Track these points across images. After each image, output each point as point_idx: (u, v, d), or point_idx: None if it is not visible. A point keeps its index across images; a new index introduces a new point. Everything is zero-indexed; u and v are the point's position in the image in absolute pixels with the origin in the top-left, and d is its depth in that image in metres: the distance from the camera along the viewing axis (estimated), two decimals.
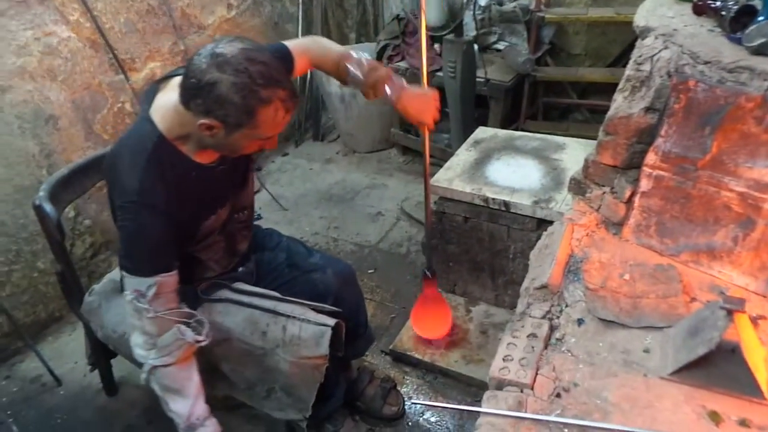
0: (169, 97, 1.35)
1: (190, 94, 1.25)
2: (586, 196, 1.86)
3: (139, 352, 1.43)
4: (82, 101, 2.62)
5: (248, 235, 1.80)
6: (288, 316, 1.61)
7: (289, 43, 1.62)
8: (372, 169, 3.84)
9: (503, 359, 1.39)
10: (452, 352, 2.21)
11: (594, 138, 1.80)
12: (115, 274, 1.91)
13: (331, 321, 1.60)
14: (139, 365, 1.45)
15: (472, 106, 3.14)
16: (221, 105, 1.23)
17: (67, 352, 2.44)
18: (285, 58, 1.57)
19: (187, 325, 1.43)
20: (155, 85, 1.44)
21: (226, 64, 1.21)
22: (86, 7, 2.52)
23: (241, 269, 1.80)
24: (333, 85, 3.75)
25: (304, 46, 1.66)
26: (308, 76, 4.05)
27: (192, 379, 1.48)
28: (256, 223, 1.95)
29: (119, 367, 2.16)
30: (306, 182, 3.70)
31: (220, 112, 1.25)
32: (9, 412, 2.19)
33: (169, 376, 1.43)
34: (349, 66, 1.61)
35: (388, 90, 1.62)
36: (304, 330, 1.58)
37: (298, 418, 1.67)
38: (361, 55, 1.63)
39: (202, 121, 1.27)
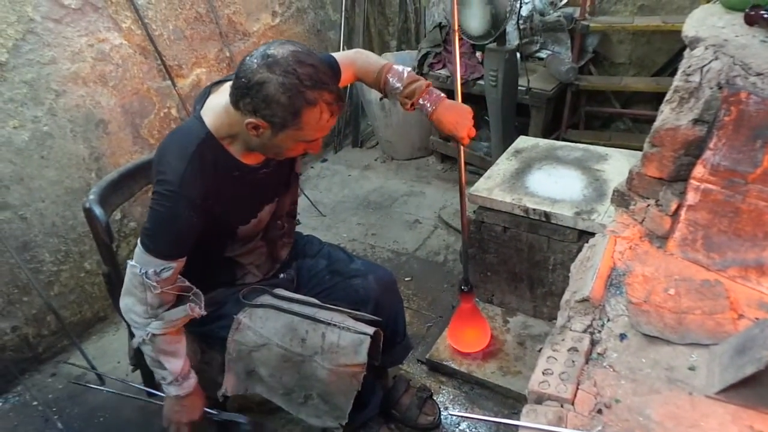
0: (220, 98, 1.41)
1: (240, 94, 1.30)
2: (629, 209, 1.82)
3: (135, 319, 1.49)
4: (131, 106, 2.69)
5: (289, 242, 1.83)
6: (327, 324, 1.62)
7: (336, 55, 1.66)
8: (410, 176, 3.85)
9: (543, 373, 1.37)
10: (489, 363, 2.19)
11: (637, 148, 1.77)
12: None
13: (370, 329, 1.60)
14: (130, 331, 1.55)
15: (513, 115, 3.12)
16: (268, 104, 1.27)
17: (110, 351, 2.51)
18: (333, 66, 1.59)
19: (187, 298, 1.49)
20: (208, 88, 1.50)
21: (275, 65, 1.25)
22: (138, 15, 2.60)
23: (282, 276, 1.83)
24: (373, 93, 3.78)
25: (349, 58, 1.69)
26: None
27: (183, 341, 1.58)
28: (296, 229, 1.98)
29: None
30: (344, 188, 3.73)
31: (266, 112, 1.28)
32: (54, 409, 2.27)
33: (168, 341, 1.52)
34: (389, 77, 1.66)
35: (423, 101, 1.66)
36: (343, 338, 1.59)
37: (334, 426, 1.67)
38: (403, 68, 1.65)
39: (249, 120, 1.31)
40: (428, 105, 1.66)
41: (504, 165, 2.39)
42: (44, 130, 2.36)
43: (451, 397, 2.16)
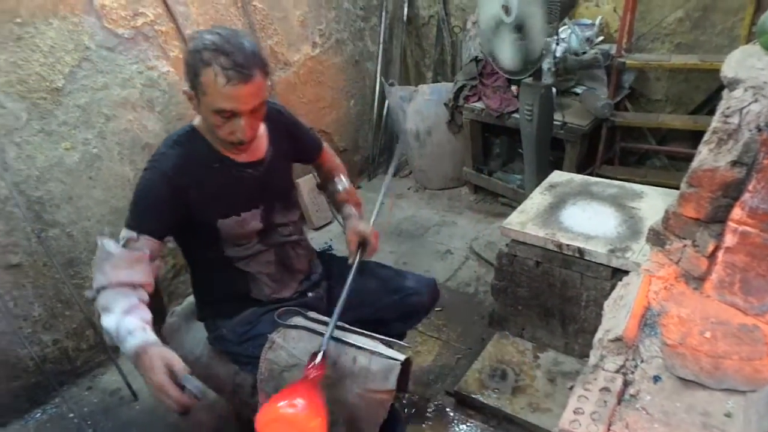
0: None
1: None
2: (665, 248, 1.80)
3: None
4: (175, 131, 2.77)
5: (305, 255, 1.86)
6: (359, 348, 1.62)
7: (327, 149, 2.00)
8: (442, 206, 3.85)
9: (574, 412, 1.35)
10: (518, 398, 2.16)
11: (672, 186, 1.75)
12: (191, 299, 1.99)
13: (401, 356, 1.60)
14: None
15: (547, 150, 3.12)
16: (185, 71, 1.43)
17: None
18: (315, 140, 1.94)
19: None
20: None
21: (196, 38, 1.42)
22: (185, 45, 2.69)
23: (310, 294, 1.84)
24: (409, 122, 3.82)
25: (333, 158, 2.03)
26: (384, 111, 4.14)
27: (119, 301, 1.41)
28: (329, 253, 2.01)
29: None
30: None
31: (186, 78, 1.44)
32: (89, 422, 2.31)
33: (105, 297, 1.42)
34: (339, 177, 1.98)
35: (347, 207, 1.92)
36: (374, 363, 1.58)
37: None
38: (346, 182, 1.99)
39: (184, 89, 1.47)
40: (348, 213, 1.90)
41: (538, 199, 2.38)
42: (93, 152, 2.44)
43: (479, 431, 2.13)
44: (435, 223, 3.64)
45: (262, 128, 1.69)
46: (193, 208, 1.56)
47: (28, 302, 2.32)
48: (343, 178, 2.00)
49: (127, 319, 1.36)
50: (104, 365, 2.58)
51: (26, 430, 2.30)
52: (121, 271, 1.43)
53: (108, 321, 1.37)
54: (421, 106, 3.77)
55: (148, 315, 1.42)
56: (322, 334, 1.66)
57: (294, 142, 1.83)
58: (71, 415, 2.35)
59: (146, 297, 1.46)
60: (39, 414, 2.37)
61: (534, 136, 3.03)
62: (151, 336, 1.36)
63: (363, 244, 1.79)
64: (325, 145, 2.00)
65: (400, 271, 1.94)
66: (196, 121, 1.60)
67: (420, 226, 3.62)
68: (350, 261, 1.76)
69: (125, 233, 1.48)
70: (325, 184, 2.04)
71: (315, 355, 1.47)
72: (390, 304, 1.85)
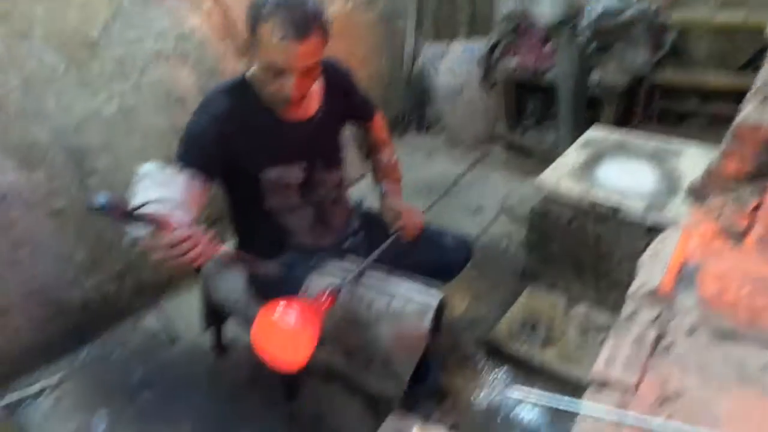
0: None
1: None
2: (704, 204, 1.78)
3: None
4: (206, 85, 2.79)
5: (343, 212, 1.89)
6: (394, 290, 1.66)
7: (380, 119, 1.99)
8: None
9: (606, 359, 1.37)
10: (548, 349, 2.19)
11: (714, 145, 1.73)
12: (231, 244, 2.04)
13: (435, 299, 1.63)
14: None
15: (583, 108, 3.08)
16: (246, 19, 1.44)
17: (184, 311, 2.63)
18: (370, 104, 1.95)
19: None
20: None
21: None
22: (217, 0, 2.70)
23: (347, 243, 1.88)
24: (441, 77, 3.78)
25: (384, 130, 2.02)
26: (416, 69, 4.10)
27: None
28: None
29: (230, 329, 2.30)
30: (408, 173, 3.71)
31: (246, 26, 1.44)
32: (132, 362, 2.41)
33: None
34: (384, 150, 1.98)
35: (385, 183, 1.93)
36: (409, 303, 1.62)
37: (393, 394, 1.71)
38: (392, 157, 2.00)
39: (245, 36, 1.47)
40: (386, 190, 1.90)
41: (572, 156, 2.36)
42: (130, 103, 2.48)
43: (509, 380, 2.17)
44: (467, 179, 3.63)
45: (316, 86, 1.69)
46: (238, 156, 1.57)
47: (71, 246, 2.39)
48: (388, 152, 1.99)
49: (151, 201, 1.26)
50: (145, 308, 2.67)
51: (75, 365, 2.41)
52: (156, 189, 1.33)
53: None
54: (453, 64, 3.72)
55: (186, 214, 1.30)
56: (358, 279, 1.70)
57: (348, 102, 1.83)
58: (115, 353, 2.46)
59: (187, 214, 1.33)
60: (85, 353, 2.47)
61: (570, 93, 2.99)
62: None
63: (400, 222, 1.81)
64: (379, 114, 1.99)
65: (439, 229, 1.96)
66: (249, 72, 1.60)
67: (451, 182, 3.61)
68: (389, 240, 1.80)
69: (173, 164, 1.48)
70: (370, 154, 2.03)
71: (332, 289, 1.50)
72: (427, 260, 1.87)
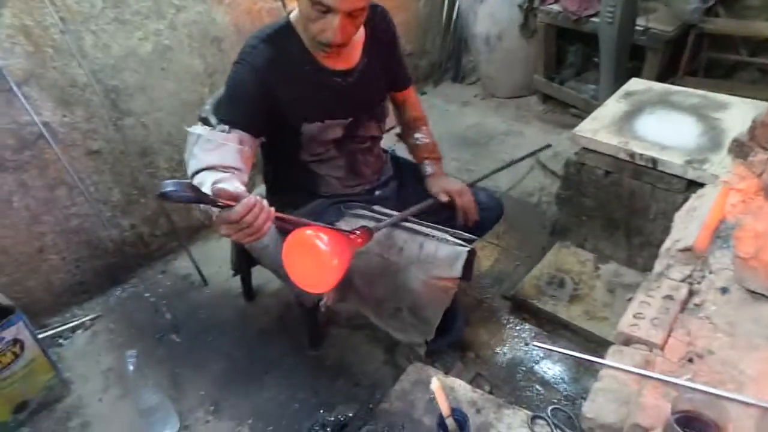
0: None
1: None
2: (748, 160, 1.70)
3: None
4: (243, 25, 2.75)
5: (376, 161, 1.86)
6: (426, 235, 1.64)
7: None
8: (510, 115, 3.75)
9: (634, 316, 1.34)
10: (575, 305, 2.16)
11: (763, 100, 1.63)
12: (261, 189, 2.03)
13: (467, 245, 1.61)
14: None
15: (626, 57, 2.94)
16: None
17: (214, 256, 2.67)
18: (407, 70, 1.88)
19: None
20: None
21: None
22: None
23: (378, 193, 1.86)
24: (479, 26, 3.66)
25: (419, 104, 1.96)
26: (454, 15, 3.97)
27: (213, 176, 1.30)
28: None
29: (258, 275, 2.33)
30: (441, 123, 3.68)
31: None
32: (163, 302, 2.47)
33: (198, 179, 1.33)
34: (422, 129, 1.91)
35: (427, 164, 1.87)
36: (440, 250, 1.60)
37: (419, 342, 1.71)
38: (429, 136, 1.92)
39: None
40: (431, 170, 1.86)
41: (612, 107, 2.27)
42: (165, 43, 2.46)
43: (533, 334, 2.16)
44: (501, 132, 3.56)
45: (359, 35, 1.64)
46: (280, 108, 1.54)
47: (107, 187, 2.43)
48: (426, 131, 1.93)
49: (217, 180, 1.24)
50: (176, 251, 2.72)
51: (108, 304, 2.48)
52: (211, 154, 1.37)
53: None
54: (493, 8, 3.59)
55: (241, 186, 1.27)
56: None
57: (389, 58, 1.77)
58: (147, 294, 2.52)
59: (241, 179, 1.35)
60: (119, 292, 2.54)
61: (613, 41, 2.86)
62: (239, 185, 1.21)
63: (457, 206, 1.78)
64: (413, 87, 1.93)
65: (472, 186, 1.92)
66: (293, 15, 1.56)
67: (485, 134, 3.55)
68: (458, 222, 1.78)
69: (218, 126, 1.47)
70: (407, 134, 1.95)
71: (366, 227, 1.49)
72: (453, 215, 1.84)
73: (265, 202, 1.16)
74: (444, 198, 1.79)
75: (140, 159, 2.49)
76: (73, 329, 2.36)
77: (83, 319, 2.38)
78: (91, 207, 2.38)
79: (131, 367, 1.73)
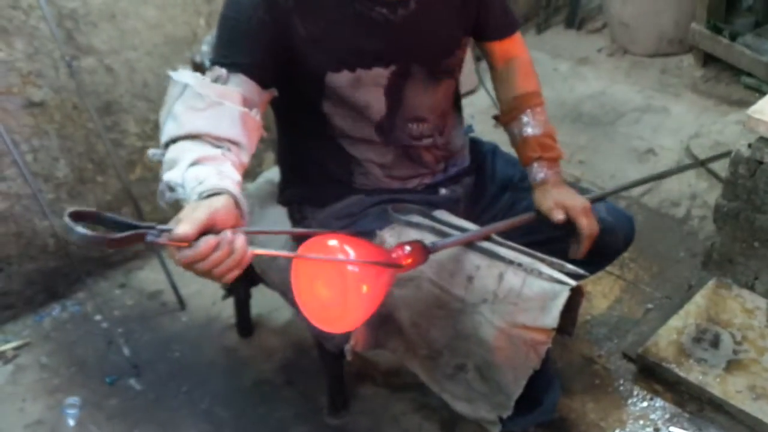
0: None
1: None
2: None
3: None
4: None
5: (442, 154, 1.86)
6: (510, 262, 1.61)
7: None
8: (650, 82, 3.75)
9: None
10: (734, 376, 2.14)
11: None
12: (273, 173, 2.06)
13: (572, 281, 1.56)
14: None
15: None
16: None
17: None
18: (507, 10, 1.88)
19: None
20: None
21: None
22: None
23: (443, 191, 1.87)
24: None
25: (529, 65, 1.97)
26: None
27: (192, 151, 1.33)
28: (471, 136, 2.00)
29: (260, 299, 2.36)
30: (546, 88, 3.65)
31: None
32: (120, 330, 2.49)
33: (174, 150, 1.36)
34: (532, 112, 1.87)
35: (537, 167, 1.83)
36: (529, 285, 1.56)
37: (491, 419, 1.70)
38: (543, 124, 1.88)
39: None
40: (543, 176, 1.81)
41: None
42: None
43: (669, 415, 2.13)
44: (635, 106, 3.56)
45: None
46: (298, 48, 1.56)
47: (51, 157, 2.50)
48: (540, 112, 1.87)
49: (197, 168, 1.25)
50: (143, 257, 2.78)
51: (41, 328, 2.53)
52: (200, 115, 1.36)
53: (171, 175, 1.26)
54: None
55: (235, 174, 1.30)
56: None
57: None
58: (98, 317, 2.57)
59: (239, 158, 1.38)
60: (57, 310, 2.61)
61: None
62: (230, 186, 1.21)
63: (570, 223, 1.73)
64: (519, 34, 1.92)
65: (595, 201, 1.86)
66: None
67: (611, 109, 3.55)
68: (570, 254, 1.76)
69: (210, 72, 1.48)
70: (509, 115, 1.90)
71: (419, 244, 1.46)
72: (558, 236, 1.80)
73: (240, 239, 1.12)
74: (559, 216, 1.72)
75: (101, 118, 2.53)
76: None
77: (3, 348, 2.43)
78: (26, 184, 2.41)
79: (71, 422, 1.76)
